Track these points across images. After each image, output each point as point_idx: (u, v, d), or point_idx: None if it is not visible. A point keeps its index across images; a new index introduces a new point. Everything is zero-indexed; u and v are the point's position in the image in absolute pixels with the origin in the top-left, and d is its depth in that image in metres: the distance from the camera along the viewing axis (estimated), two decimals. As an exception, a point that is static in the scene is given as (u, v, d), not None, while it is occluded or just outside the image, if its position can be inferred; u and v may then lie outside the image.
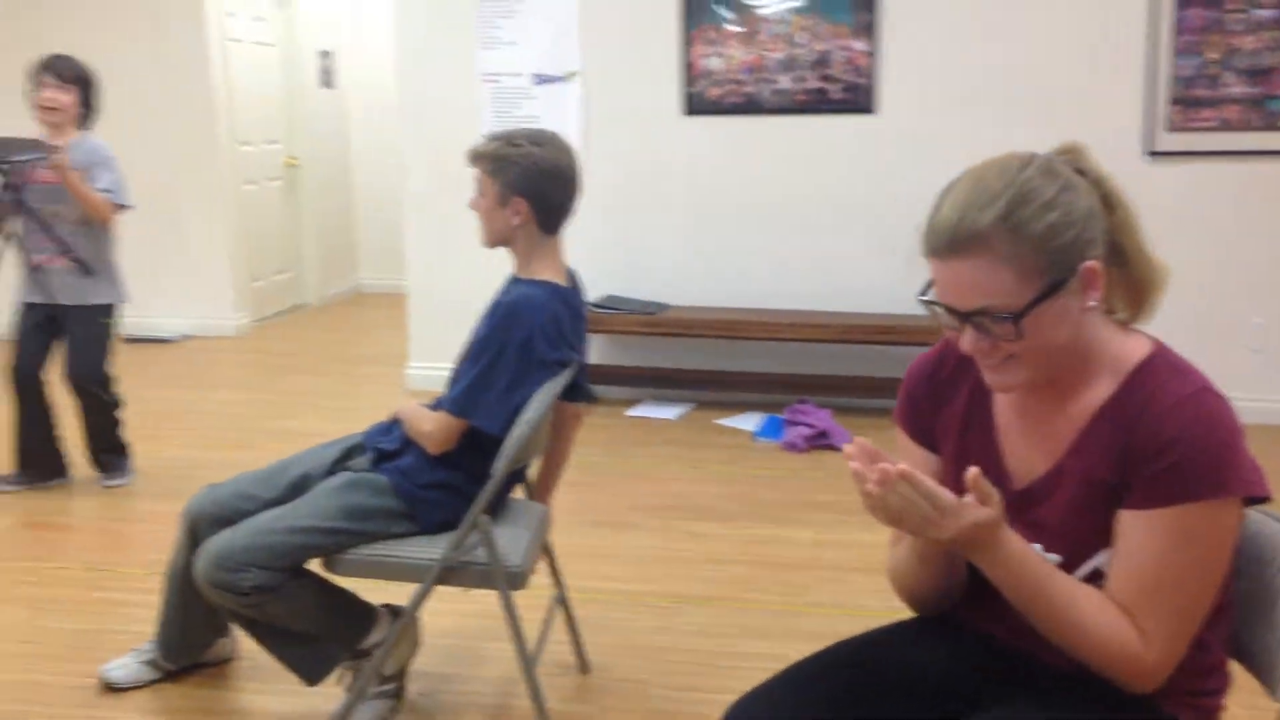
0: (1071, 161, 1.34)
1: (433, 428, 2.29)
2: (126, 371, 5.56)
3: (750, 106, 5.01)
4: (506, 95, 5.20)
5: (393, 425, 2.42)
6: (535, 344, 2.25)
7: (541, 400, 2.22)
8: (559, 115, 5.15)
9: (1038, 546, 1.36)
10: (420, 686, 2.59)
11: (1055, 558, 1.35)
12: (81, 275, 3.81)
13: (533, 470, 2.60)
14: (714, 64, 5.01)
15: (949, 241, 1.26)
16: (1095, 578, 1.34)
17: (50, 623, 2.90)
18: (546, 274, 2.38)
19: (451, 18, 5.16)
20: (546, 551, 2.64)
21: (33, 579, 3.17)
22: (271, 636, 2.34)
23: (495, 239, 2.40)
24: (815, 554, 3.35)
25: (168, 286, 6.51)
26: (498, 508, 2.41)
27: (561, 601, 2.66)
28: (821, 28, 4.90)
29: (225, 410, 5.05)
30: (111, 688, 2.55)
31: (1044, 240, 1.24)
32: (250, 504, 2.34)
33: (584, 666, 2.68)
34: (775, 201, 5.03)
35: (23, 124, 4.08)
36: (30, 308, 3.86)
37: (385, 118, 7.31)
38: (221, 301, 6.64)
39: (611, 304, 5.00)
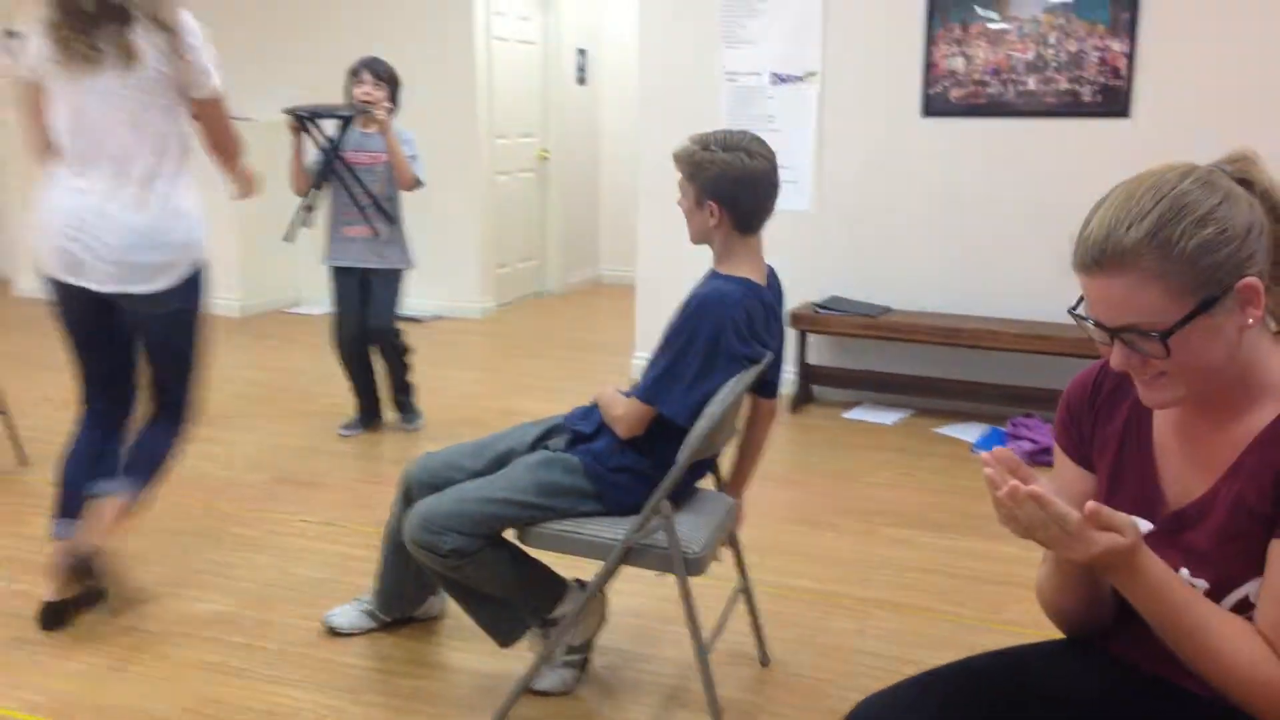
0: (1240, 171, 1.28)
1: (623, 413, 2.40)
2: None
3: (994, 109, 4.86)
4: (744, 94, 5.27)
5: (592, 409, 2.54)
6: (725, 338, 2.31)
7: (727, 393, 2.29)
8: (796, 115, 5.18)
9: (1185, 571, 1.31)
10: (604, 660, 2.71)
11: (1202, 584, 1.30)
12: (384, 243, 4.39)
13: (728, 464, 2.67)
14: (957, 64, 4.90)
15: (1097, 258, 1.24)
16: (1244, 607, 1.28)
17: (291, 569, 3.21)
18: (743, 271, 2.43)
19: (696, 16, 5.27)
20: (733, 543, 2.70)
21: (282, 530, 3.51)
22: (469, 598, 2.51)
23: (697, 237, 2.48)
24: (1017, 571, 3.25)
25: (422, 269, 6.96)
26: (684, 496, 2.50)
27: (745, 593, 2.72)
28: (1075, 26, 4.70)
29: (460, 387, 5.38)
30: (333, 632, 2.81)
31: (1195, 258, 1.20)
32: (458, 473, 2.53)
33: (764, 659, 2.72)
34: (1014, 208, 4.87)
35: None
36: (343, 272, 4.41)
37: (632, 114, 7.53)
38: (470, 285, 7.06)
39: (835, 305, 4.98)
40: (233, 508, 3.66)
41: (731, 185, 2.39)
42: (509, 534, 2.43)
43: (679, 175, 2.46)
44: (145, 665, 2.65)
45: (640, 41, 5.47)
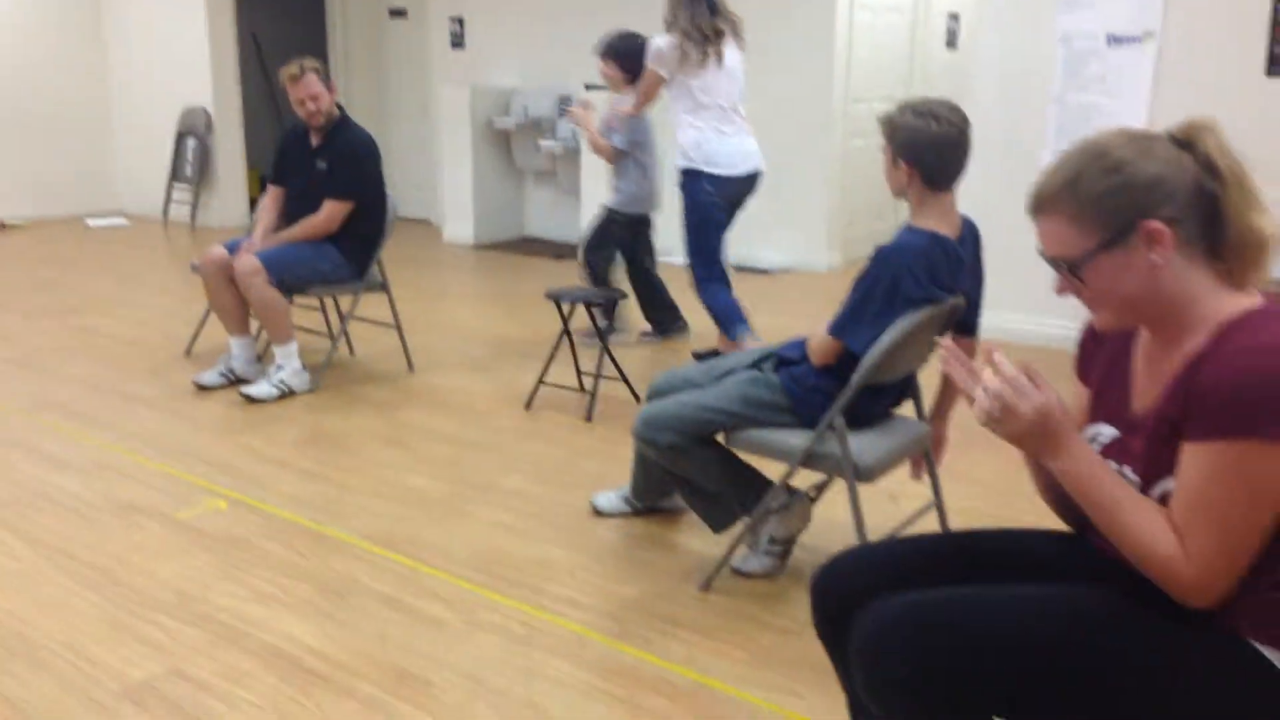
0: (1186, 136, 1.50)
1: (817, 344, 2.80)
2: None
3: (1348, 67, 4.58)
4: (1078, 56, 5.28)
5: (803, 340, 2.96)
6: (902, 282, 2.65)
7: (900, 329, 2.62)
8: (1131, 78, 5.12)
9: (1127, 469, 1.56)
10: (807, 557, 3.13)
11: (1135, 479, 1.55)
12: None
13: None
14: (1307, 21, 4.64)
15: (1032, 202, 1.54)
16: (1166, 500, 1.52)
17: (572, 460, 3.89)
18: (932, 223, 2.74)
19: (1032, -19, 5.34)
20: (930, 465, 3.02)
21: (571, 434, 4.21)
22: (686, 488, 3.03)
23: (896, 191, 2.81)
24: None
25: (773, 225, 7.52)
26: (872, 418, 2.86)
27: (938, 509, 3.03)
28: None
29: (770, 328, 5.84)
30: (596, 511, 3.44)
31: (1099, 200, 1.46)
32: (688, 386, 3.05)
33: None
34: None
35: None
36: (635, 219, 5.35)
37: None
38: (817, 242, 7.49)
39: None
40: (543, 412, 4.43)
41: (921, 149, 2.69)
42: (721, 439, 2.93)
43: (882, 138, 2.79)
44: (454, 519, 3.42)
45: (975, 6, 5.62)
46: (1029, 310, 5.42)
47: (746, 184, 4.95)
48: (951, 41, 8.33)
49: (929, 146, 2.67)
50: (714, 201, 4.85)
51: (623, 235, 5.38)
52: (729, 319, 4.94)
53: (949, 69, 8.33)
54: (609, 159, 5.30)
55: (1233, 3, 4.79)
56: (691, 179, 4.86)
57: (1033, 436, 1.52)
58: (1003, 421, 1.51)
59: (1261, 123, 4.78)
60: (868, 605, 1.58)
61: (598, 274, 5.37)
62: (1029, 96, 5.43)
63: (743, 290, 6.86)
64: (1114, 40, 5.17)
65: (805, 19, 7.25)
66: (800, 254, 7.55)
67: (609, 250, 5.39)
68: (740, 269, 7.47)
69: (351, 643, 2.68)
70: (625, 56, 5.13)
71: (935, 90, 8.14)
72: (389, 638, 2.71)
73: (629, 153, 5.24)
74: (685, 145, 4.86)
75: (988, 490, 3.63)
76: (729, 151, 4.85)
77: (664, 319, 5.59)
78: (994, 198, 5.51)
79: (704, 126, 4.83)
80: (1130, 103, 5.12)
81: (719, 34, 4.78)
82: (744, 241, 7.67)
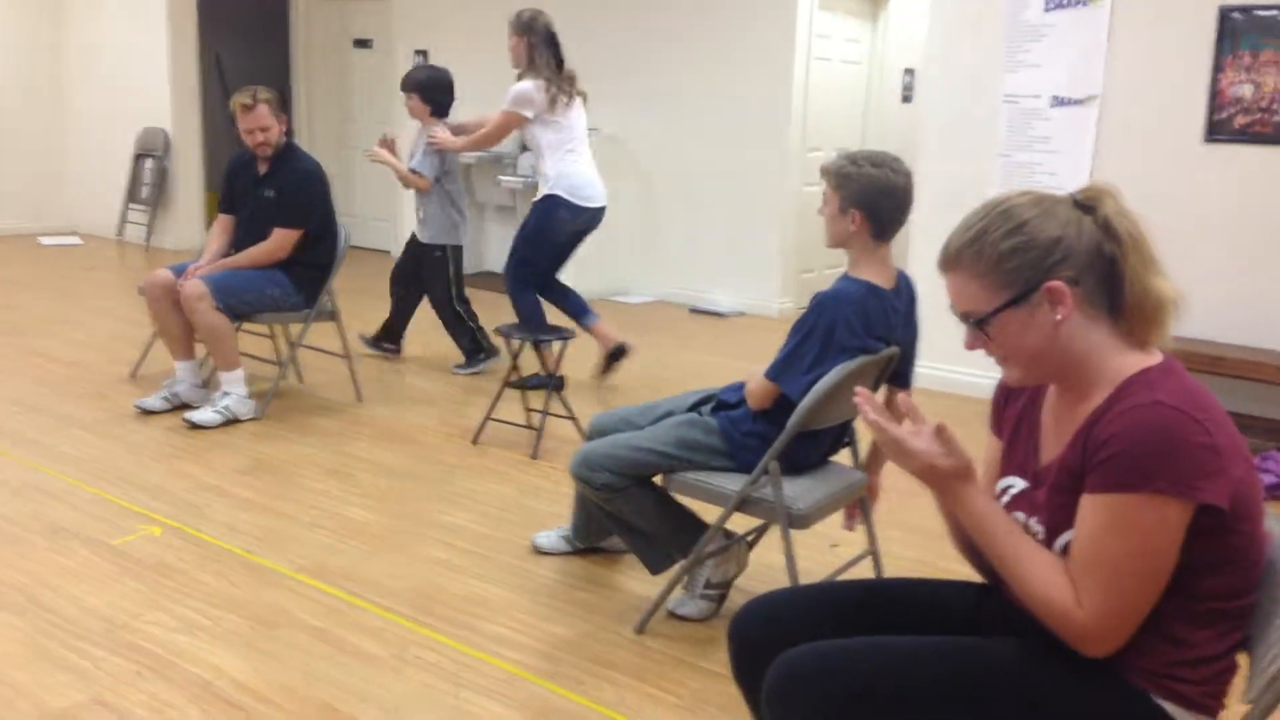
0: (1088, 199, 1.56)
1: (754, 386, 2.84)
2: (681, 336, 6.69)
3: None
4: (1023, 116, 5.41)
5: (742, 384, 3.00)
6: (837, 330, 2.69)
7: (833, 376, 2.67)
8: (1073, 138, 5.26)
9: (1033, 520, 1.61)
10: (741, 601, 3.14)
11: (1039, 530, 1.60)
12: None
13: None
14: (1244, 91, 4.80)
15: (941, 260, 1.59)
16: (1068, 551, 1.56)
17: (515, 497, 3.90)
18: (869, 275, 2.79)
19: (979, 40, 5.47)
20: (864, 513, 3.06)
21: (517, 470, 4.22)
22: (623, 529, 3.05)
23: (835, 241, 2.86)
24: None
25: (727, 268, 7.60)
26: (808, 464, 2.90)
27: (872, 556, 3.07)
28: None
29: (720, 371, 5.89)
30: (537, 550, 3.44)
31: (1001, 260, 1.52)
32: (626, 426, 3.07)
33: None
34: (1293, 238, 4.70)
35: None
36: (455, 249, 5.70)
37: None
38: (771, 286, 7.57)
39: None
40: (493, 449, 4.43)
41: (875, 196, 2.74)
42: (659, 480, 2.95)
43: (825, 186, 2.85)
44: (391, 553, 3.41)
45: (924, 61, 5.76)
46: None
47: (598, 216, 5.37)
48: (907, 96, 8.49)
49: (884, 195, 2.72)
50: (564, 227, 5.27)
51: (438, 266, 5.59)
52: (529, 322, 5.28)
53: (903, 122, 8.48)
54: (423, 189, 5.49)
55: (1173, 69, 4.94)
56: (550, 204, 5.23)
57: (929, 483, 1.58)
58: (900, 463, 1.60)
59: (1199, 185, 4.92)
60: (779, 652, 1.61)
61: (467, 313, 5.62)
62: (976, 152, 5.55)
63: (696, 332, 6.97)
64: (1058, 101, 5.31)
65: (762, 66, 7.37)
66: (753, 298, 7.63)
67: (452, 289, 5.64)
68: (694, 310, 7.54)
69: (278, 676, 2.66)
70: (428, 89, 5.51)
71: (888, 142, 8.29)
72: (316, 672, 2.69)
73: (439, 181, 5.50)
74: (551, 175, 5.23)
75: (928, 539, 3.67)
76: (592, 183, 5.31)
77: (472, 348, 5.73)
78: (938, 250, 5.61)
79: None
80: (1073, 162, 5.25)
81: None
82: (698, 284, 7.76)
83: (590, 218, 5.32)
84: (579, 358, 5.64)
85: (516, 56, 5.23)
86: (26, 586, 3.06)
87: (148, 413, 4.64)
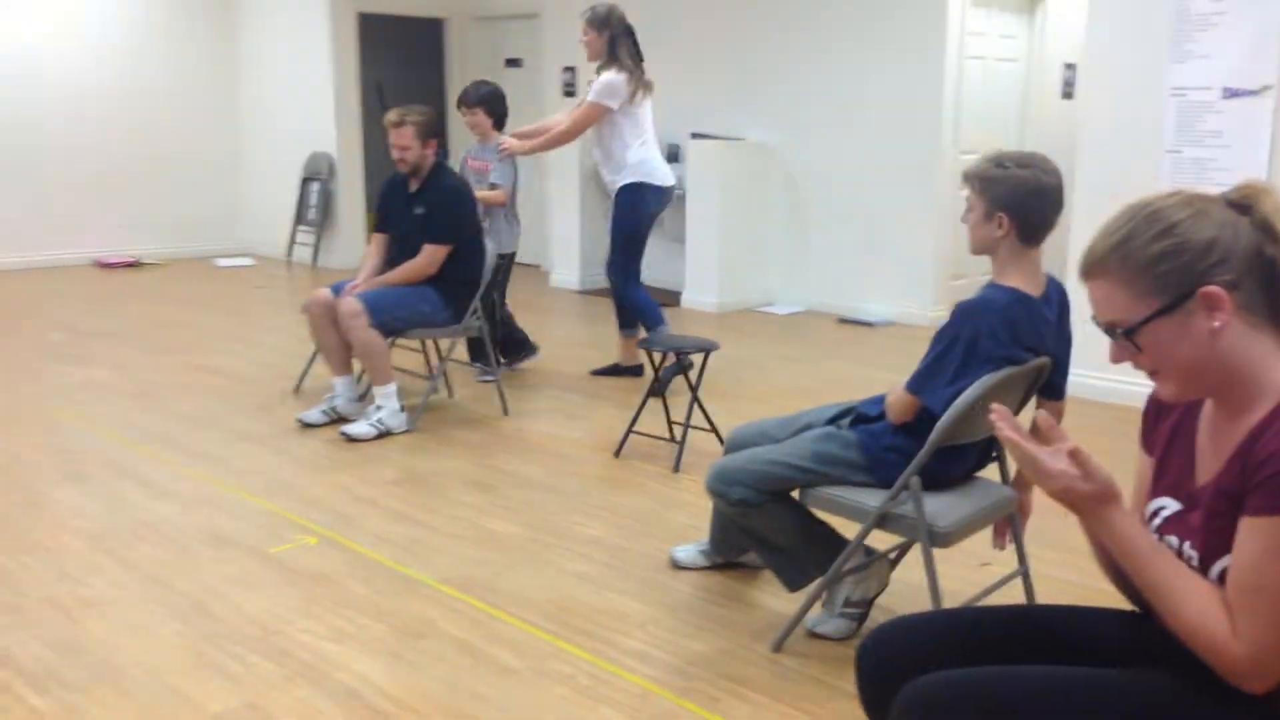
0: (1243, 198, 1.44)
1: (894, 399, 2.76)
2: (828, 346, 6.58)
3: None
4: (1192, 110, 5.12)
5: (882, 396, 2.91)
6: (981, 341, 2.59)
7: (978, 388, 2.56)
8: (1248, 131, 4.95)
9: (1186, 544, 1.50)
10: (883, 620, 3.05)
11: (1194, 555, 1.48)
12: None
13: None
14: None
15: (1082, 266, 1.49)
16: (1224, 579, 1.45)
17: (655, 510, 3.89)
18: (1016, 281, 2.67)
19: (1145, 30, 5.21)
20: (1015, 531, 2.93)
21: (658, 483, 4.21)
22: (760, 544, 3.00)
23: (980, 248, 2.74)
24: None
25: (877, 276, 7.44)
26: (951, 480, 2.79)
27: (1022, 577, 2.93)
28: None
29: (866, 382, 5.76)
30: (675, 564, 3.43)
31: (1152, 265, 1.41)
32: (765, 439, 3.02)
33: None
34: None
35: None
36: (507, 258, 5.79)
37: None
38: (922, 294, 7.37)
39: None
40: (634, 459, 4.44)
41: (1024, 198, 2.62)
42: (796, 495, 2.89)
43: (967, 190, 2.74)
44: (531, 566, 3.45)
45: (1085, 56, 5.51)
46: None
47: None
48: (1068, 93, 8.16)
49: (1034, 196, 2.60)
50: (653, 211, 5.49)
51: (499, 271, 5.58)
52: (647, 314, 5.45)
53: (1064, 120, 8.15)
54: (501, 202, 5.58)
55: (1360, 54, 4.60)
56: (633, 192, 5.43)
57: (1069, 506, 1.48)
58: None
59: (1391, 179, 4.56)
60: (909, 679, 1.54)
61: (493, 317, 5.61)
62: (1141, 149, 5.28)
63: (843, 342, 6.83)
64: (1230, 93, 5.00)
65: (912, 68, 7.20)
66: (904, 306, 7.44)
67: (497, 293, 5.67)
68: (843, 320, 7.41)
69: (421, 685, 2.71)
70: (493, 102, 5.63)
71: (1048, 141, 7.98)
72: (458, 683, 2.73)
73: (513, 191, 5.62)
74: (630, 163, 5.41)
75: (1085, 560, 3.47)
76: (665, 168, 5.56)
77: (514, 349, 5.83)
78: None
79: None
80: (1248, 156, 4.94)
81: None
82: (847, 293, 7.61)
83: (668, 197, 5.57)
84: (721, 366, 5.61)
85: (593, 51, 5.36)
86: (192, 593, 3.21)
87: (309, 425, 4.83)
